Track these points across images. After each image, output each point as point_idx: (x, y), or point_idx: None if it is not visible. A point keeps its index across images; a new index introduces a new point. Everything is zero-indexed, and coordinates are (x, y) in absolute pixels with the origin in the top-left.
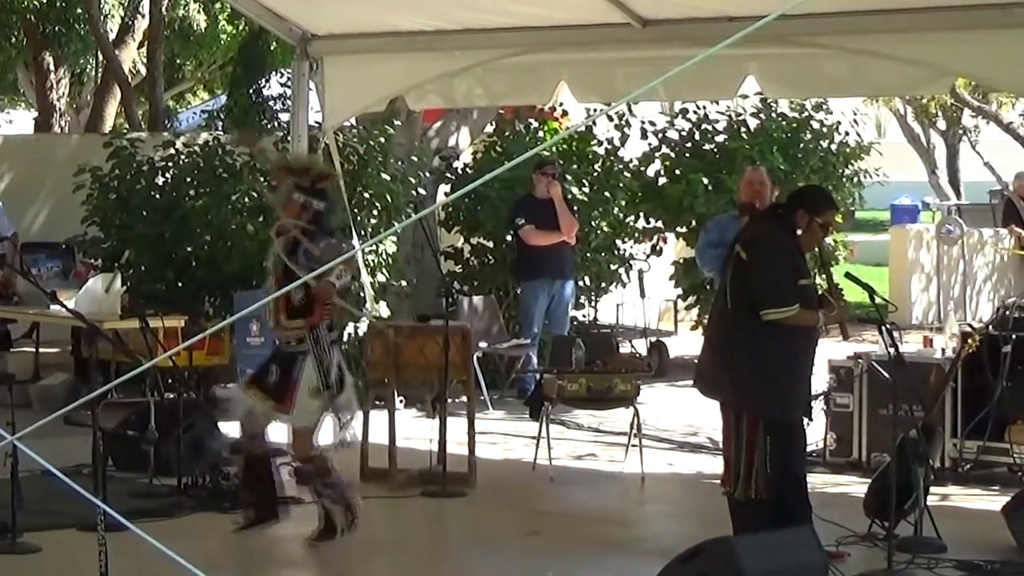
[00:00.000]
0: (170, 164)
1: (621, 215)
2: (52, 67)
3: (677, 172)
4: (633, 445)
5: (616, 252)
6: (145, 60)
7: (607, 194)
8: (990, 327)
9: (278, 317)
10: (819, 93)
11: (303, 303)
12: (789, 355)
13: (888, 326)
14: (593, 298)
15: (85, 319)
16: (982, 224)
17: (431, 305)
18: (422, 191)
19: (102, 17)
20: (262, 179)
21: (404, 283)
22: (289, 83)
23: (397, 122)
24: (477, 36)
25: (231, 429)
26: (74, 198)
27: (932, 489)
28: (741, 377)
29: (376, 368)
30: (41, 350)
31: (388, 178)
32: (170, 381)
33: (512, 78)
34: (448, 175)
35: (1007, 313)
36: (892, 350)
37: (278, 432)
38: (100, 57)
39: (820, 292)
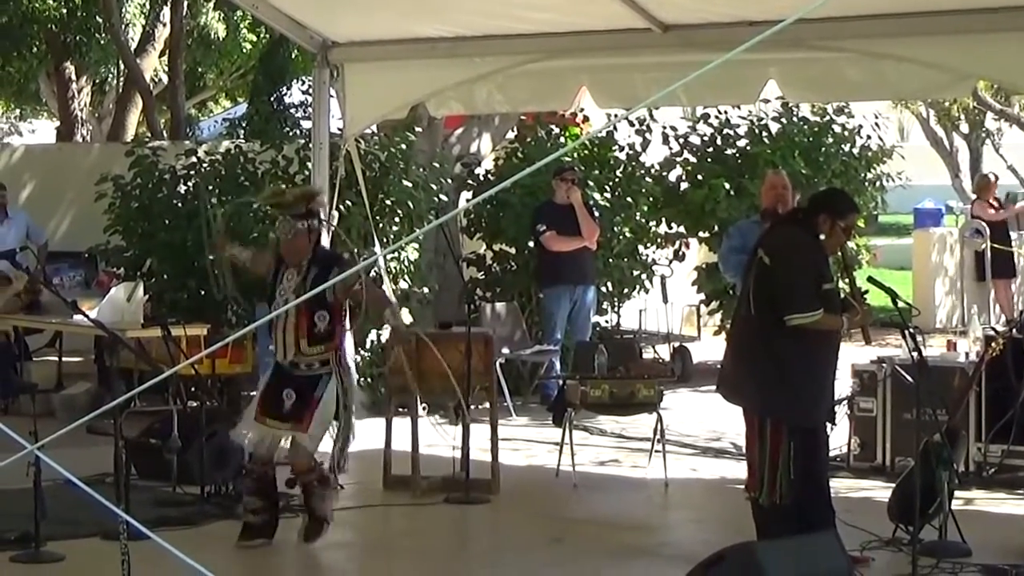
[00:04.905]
0: (192, 172)
1: (643, 220)
2: (74, 76)
3: (699, 177)
4: (656, 451)
5: (638, 258)
6: (166, 69)
7: (629, 200)
8: (1014, 330)
9: (299, 345)
10: (840, 97)
11: (327, 330)
12: (812, 360)
13: (911, 330)
14: (615, 304)
15: (107, 328)
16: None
17: (453, 312)
18: (444, 198)
19: (123, 26)
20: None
21: (427, 290)
22: (310, 91)
23: (418, 129)
24: (497, 42)
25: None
26: (96, 207)
27: (956, 493)
28: (765, 383)
29: (398, 375)
30: (64, 359)
31: (410, 185)
32: (193, 389)
33: (533, 84)
34: (470, 182)
35: None
36: (915, 354)
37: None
38: (121, 66)
39: (843, 296)
